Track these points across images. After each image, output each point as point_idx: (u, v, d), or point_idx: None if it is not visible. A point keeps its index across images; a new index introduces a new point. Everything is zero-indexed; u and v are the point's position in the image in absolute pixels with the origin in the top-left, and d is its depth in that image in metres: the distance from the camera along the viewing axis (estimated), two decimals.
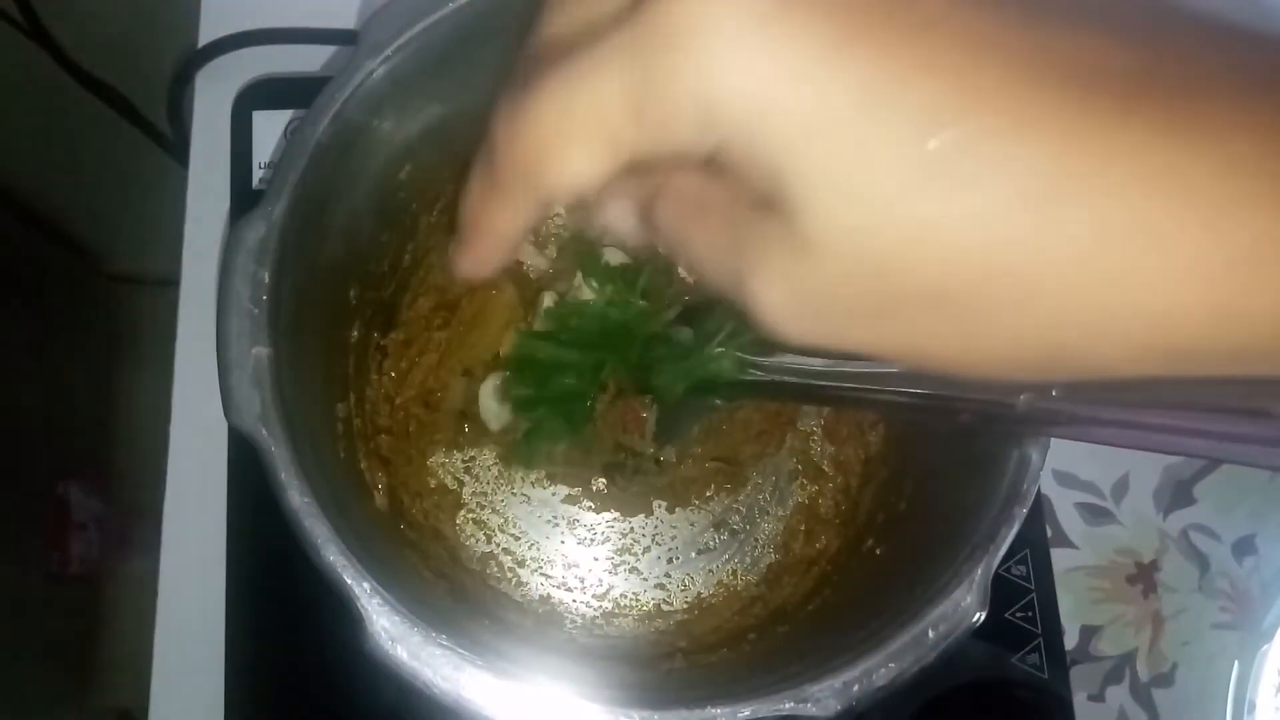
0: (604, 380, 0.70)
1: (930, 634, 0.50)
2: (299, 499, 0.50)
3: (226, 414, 0.51)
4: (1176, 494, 0.84)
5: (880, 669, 0.49)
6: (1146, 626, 0.81)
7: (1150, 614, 0.81)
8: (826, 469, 0.77)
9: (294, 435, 0.52)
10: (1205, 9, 0.63)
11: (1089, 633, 0.80)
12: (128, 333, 1.66)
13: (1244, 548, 0.83)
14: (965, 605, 0.51)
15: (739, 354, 0.67)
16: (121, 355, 1.63)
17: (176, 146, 0.93)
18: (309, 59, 0.85)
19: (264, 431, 0.51)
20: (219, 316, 0.51)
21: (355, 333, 0.68)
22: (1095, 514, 0.83)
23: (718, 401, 0.67)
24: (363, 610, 0.49)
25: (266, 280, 0.52)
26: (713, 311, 0.73)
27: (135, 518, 1.54)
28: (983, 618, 0.51)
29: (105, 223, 1.60)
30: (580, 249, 0.75)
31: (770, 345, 0.68)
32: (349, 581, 0.49)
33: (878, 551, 0.65)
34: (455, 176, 0.72)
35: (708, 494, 0.76)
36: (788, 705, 0.48)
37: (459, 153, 0.71)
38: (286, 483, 0.50)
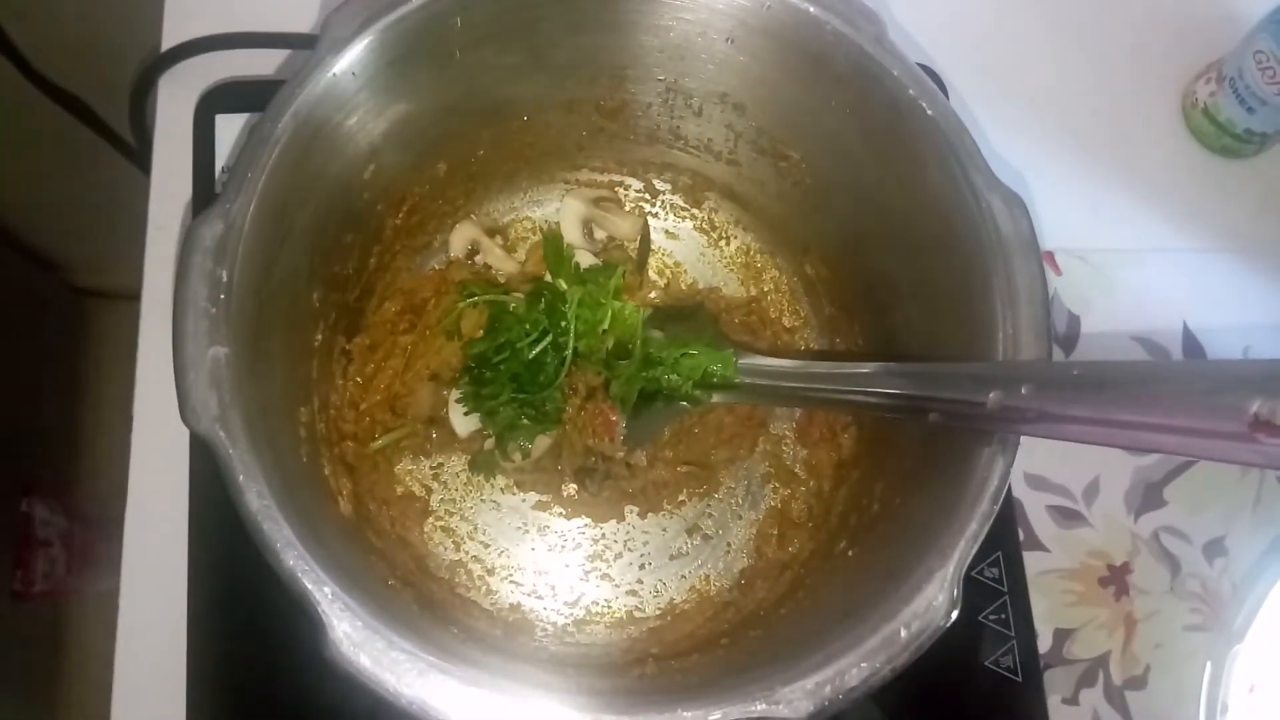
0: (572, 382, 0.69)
1: (903, 633, 0.49)
2: (257, 501, 0.49)
3: (183, 415, 0.50)
4: (1147, 496, 0.84)
5: (853, 669, 0.49)
6: (1119, 629, 0.81)
7: (1123, 616, 0.81)
8: (799, 472, 0.76)
9: (254, 438, 0.51)
10: (1180, 11, 0.62)
11: (1062, 636, 0.80)
12: (95, 346, 1.64)
13: (1214, 549, 0.83)
14: (937, 604, 0.50)
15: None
16: (88, 369, 1.61)
17: (139, 154, 0.92)
18: (273, 63, 0.84)
19: (221, 433, 0.49)
20: (175, 316, 0.50)
21: (319, 336, 0.67)
22: (1066, 516, 0.83)
23: (687, 405, 0.66)
24: (323, 615, 0.47)
25: (225, 279, 0.51)
26: (685, 314, 0.73)
27: (100, 533, 1.51)
28: (955, 616, 0.50)
29: (72, 235, 1.58)
30: (550, 252, 0.74)
31: (740, 347, 0.68)
32: (309, 586, 0.48)
33: (850, 553, 0.64)
34: (421, 180, 0.71)
35: (680, 498, 0.75)
36: (759, 707, 0.48)
37: (424, 154, 0.71)
38: (245, 485, 0.49)
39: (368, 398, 0.71)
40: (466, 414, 0.70)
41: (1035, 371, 0.51)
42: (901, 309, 0.65)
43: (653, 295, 0.77)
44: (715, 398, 0.65)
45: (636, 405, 0.70)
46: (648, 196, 0.80)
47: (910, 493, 0.60)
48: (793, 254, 0.78)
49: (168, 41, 0.84)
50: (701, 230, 0.81)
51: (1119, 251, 0.89)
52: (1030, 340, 0.53)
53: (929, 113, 0.56)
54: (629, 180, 0.79)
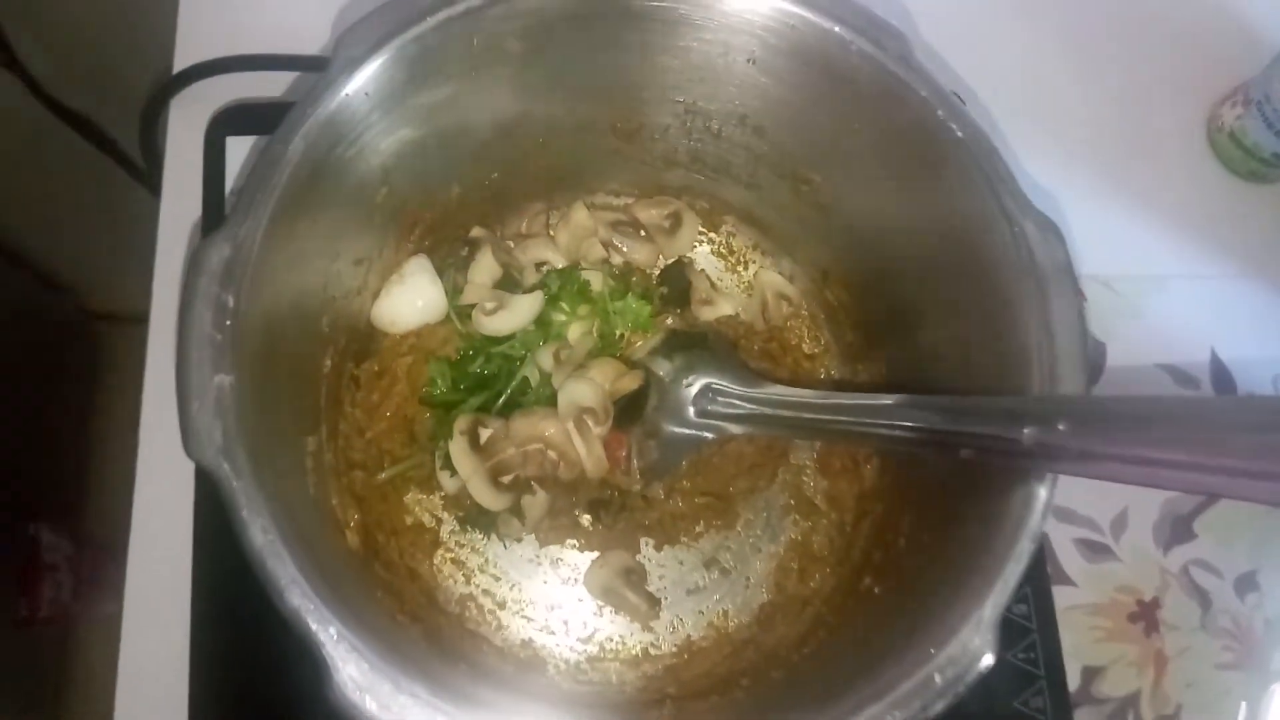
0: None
1: (937, 679, 0.47)
2: (262, 537, 0.47)
3: (186, 447, 0.48)
4: (1176, 529, 0.82)
5: (885, 717, 0.46)
6: (1149, 667, 0.78)
7: (1153, 654, 0.78)
8: (820, 504, 0.74)
9: (258, 469, 0.49)
10: (1205, 35, 0.61)
11: (1090, 674, 0.77)
12: (106, 370, 1.63)
13: (1246, 584, 0.80)
14: (974, 648, 0.48)
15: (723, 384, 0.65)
16: (99, 392, 1.60)
17: (150, 176, 0.91)
18: (285, 85, 0.83)
19: (225, 465, 0.47)
20: (179, 343, 0.48)
21: (328, 362, 0.65)
22: (1094, 550, 0.80)
23: (707, 435, 0.64)
24: (328, 657, 0.45)
25: (231, 305, 0.49)
26: (697, 341, 0.71)
27: (106, 558, 1.50)
28: (992, 662, 0.48)
29: (82, 258, 1.57)
30: (560, 274, 0.73)
31: (759, 377, 0.66)
32: (314, 626, 0.46)
33: (876, 590, 0.62)
34: (433, 203, 0.69)
35: (697, 530, 0.73)
36: None
37: (437, 177, 0.70)
38: (248, 520, 0.47)
39: (375, 424, 0.70)
40: (452, 475, 0.68)
41: (1074, 407, 0.49)
42: (928, 337, 0.63)
43: (668, 321, 0.75)
44: (735, 428, 0.63)
45: (653, 435, 0.68)
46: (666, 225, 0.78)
47: (941, 529, 0.58)
48: (813, 279, 0.76)
49: (179, 64, 0.84)
50: (719, 255, 0.79)
51: (1145, 278, 0.87)
52: (1067, 373, 0.51)
53: (959, 134, 0.55)
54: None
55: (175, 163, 0.81)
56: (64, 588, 1.42)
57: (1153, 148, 0.90)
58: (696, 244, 0.79)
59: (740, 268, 0.79)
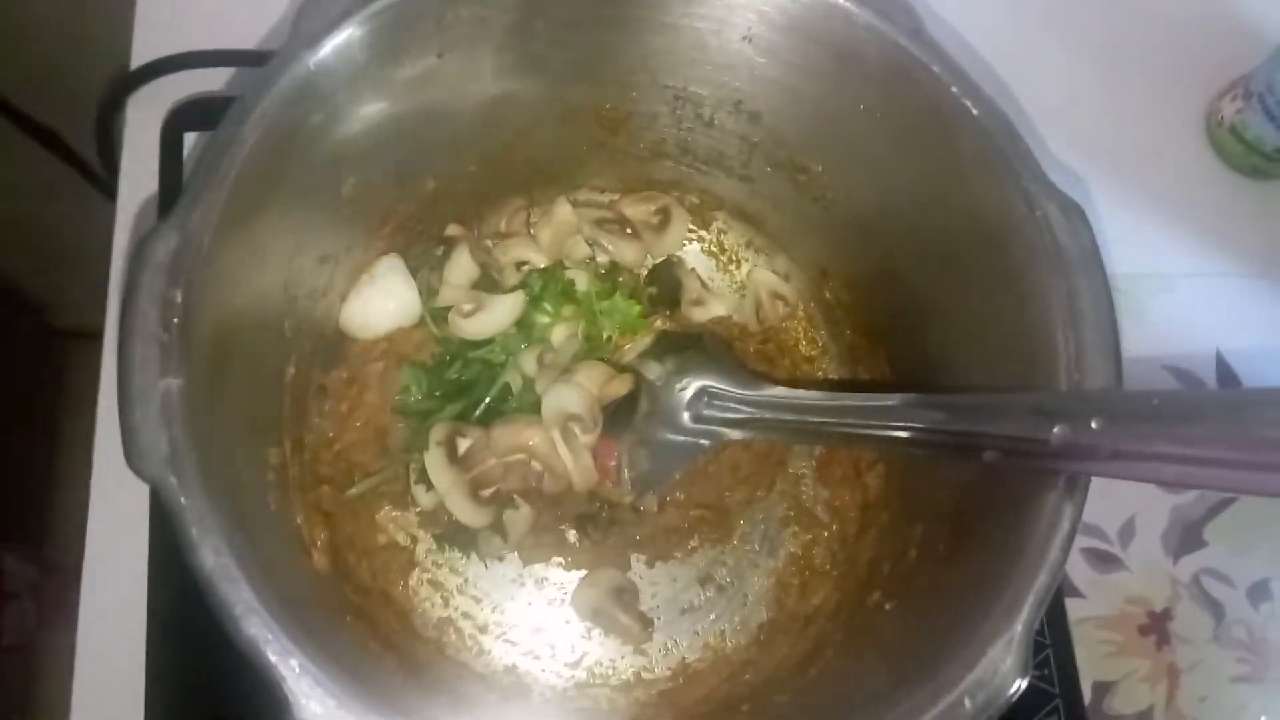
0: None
1: (967, 704, 0.43)
2: (213, 559, 0.42)
3: (128, 458, 0.43)
4: (1186, 536, 0.78)
5: None
6: (1162, 681, 0.75)
7: (1165, 667, 0.75)
8: (820, 515, 0.70)
9: (211, 484, 0.44)
10: (1201, 27, 0.56)
11: (1102, 689, 0.73)
12: (71, 389, 1.57)
13: (1259, 593, 0.77)
14: (1005, 669, 0.43)
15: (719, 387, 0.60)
16: (63, 412, 1.54)
17: (108, 181, 0.87)
18: (246, 81, 0.78)
19: (172, 479, 0.42)
20: (121, 343, 0.43)
21: (291, 369, 0.60)
22: (1103, 560, 0.77)
23: (704, 443, 0.60)
24: (289, 693, 0.40)
25: (179, 300, 0.44)
26: (691, 343, 0.67)
27: (72, 583, 1.44)
28: (1025, 685, 0.43)
29: (46, 273, 1.52)
30: (542, 273, 0.68)
31: (757, 378, 0.61)
32: (273, 659, 0.41)
33: (887, 607, 0.58)
34: (406, 197, 0.65)
35: (691, 545, 0.68)
36: None
37: (410, 168, 0.65)
38: (198, 540, 0.42)
39: (344, 436, 0.65)
40: (428, 490, 0.64)
41: (1107, 402, 0.45)
42: (939, 334, 0.59)
43: (658, 323, 0.71)
44: (733, 434, 0.59)
45: (644, 443, 0.63)
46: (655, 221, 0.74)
47: (958, 540, 0.54)
48: (810, 278, 0.72)
49: (136, 61, 0.79)
50: (710, 254, 0.75)
51: (1148, 277, 0.84)
52: (1098, 366, 0.47)
53: (974, 113, 0.51)
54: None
55: (132, 162, 0.77)
56: (28, 615, 1.38)
57: (1151, 145, 0.87)
58: (686, 242, 0.75)
59: (733, 266, 0.75)
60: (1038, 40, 0.88)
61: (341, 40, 0.48)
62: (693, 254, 0.75)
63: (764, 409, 0.58)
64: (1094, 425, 0.44)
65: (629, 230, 0.73)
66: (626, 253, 0.72)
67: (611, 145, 0.69)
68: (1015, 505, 0.48)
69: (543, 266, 0.70)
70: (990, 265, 0.52)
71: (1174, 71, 0.89)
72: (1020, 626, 0.44)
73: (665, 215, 0.73)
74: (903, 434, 0.54)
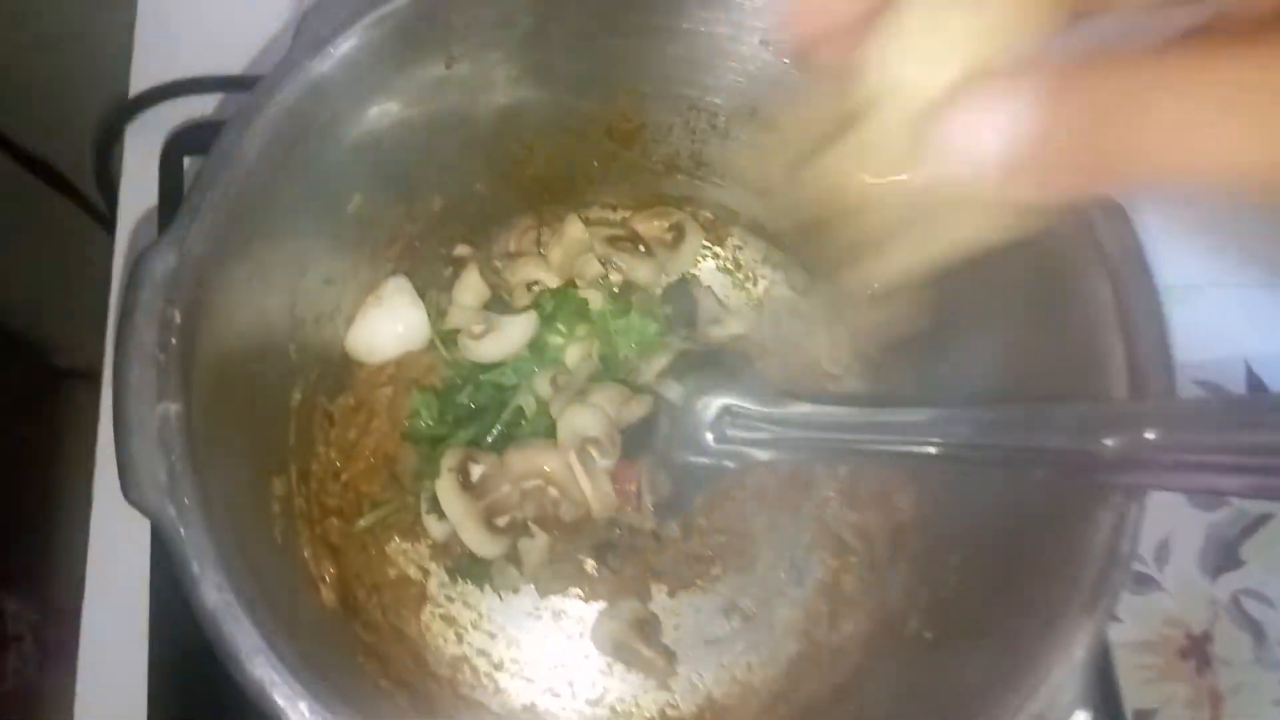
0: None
1: None
2: (216, 595, 0.39)
3: (124, 489, 0.40)
4: (1223, 555, 0.75)
5: None
6: (1204, 707, 0.71)
7: (1206, 692, 0.71)
8: (848, 540, 0.67)
9: (213, 516, 0.41)
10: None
11: (1142, 718, 0.70)
12: (71, 430, 1.54)
13: None
14: (1065, 700, 0.40)
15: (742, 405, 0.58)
16: (64, 453, 1.52)
17: (107, 213, 0.85)
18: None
19: (170, 510, 0.40)
20: (116, 365, 0.41)
21: (297, 395, 0.57)
22: (1138, 581, 0.74)
23: (728, 465, 0.57)
24: None
25: (178, 320, 0.42)
26: (711, 361, 0.64)
27: (74, 626, 1.41)
28: (1088, 718, 0.40)
29: (47, 313, 1.50)
30: (555, 293, 0.66)
31: (783, 395, 0.58)
32: (281, 702, 0.38)
33: (927, 635, 0.55)
34: (413, 216, 0.63)
35: (714, 573, 0.65)
36: None
37: (417, 186, 0.63)
38: (199, 576, 0.39)
39: (352, 465, 0.62)
40: (440, 520, 0.61)
41: (1164, 412, 0.42)
42: (969, 345, 0.56)
43: (674, 342, 0.68)
44: (760, 454, 0.56)
45: (665, 466, 0.60)
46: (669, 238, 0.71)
47: (1002, 563, 0.51)
48: (829, 293, 0.70)
49: (135, 89, 0.78)
50: (725, 270, 0.73)
51: (1174, 288, 0.81)
52: (1151, 372, 0.44)
53: None
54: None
55: (131, 191, 0.76)
56: (29, 659, 1.35)
57: None
58: (700, 259, 0.72)
59: (749, 284, 0.72)
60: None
61: (348, 46, 0.46)
62: (708, 271, 0.72)
63: (790, 427, 0.55)
64: (1150, 436, 0.41)
65: (642, 248, 0.71)
66: (640, 270, 0.70)
67: (623, 160, 0.66)
68: (1066, 523, 0.45)
69: (555, 286, 0.68)
70: (1028, 271, 0.50)
71: None
72: (1080, 652, 0.41)
73: (679, 231, 0.71)
74: (938, 450, 0.51)
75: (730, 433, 0.57)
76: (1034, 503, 0.49)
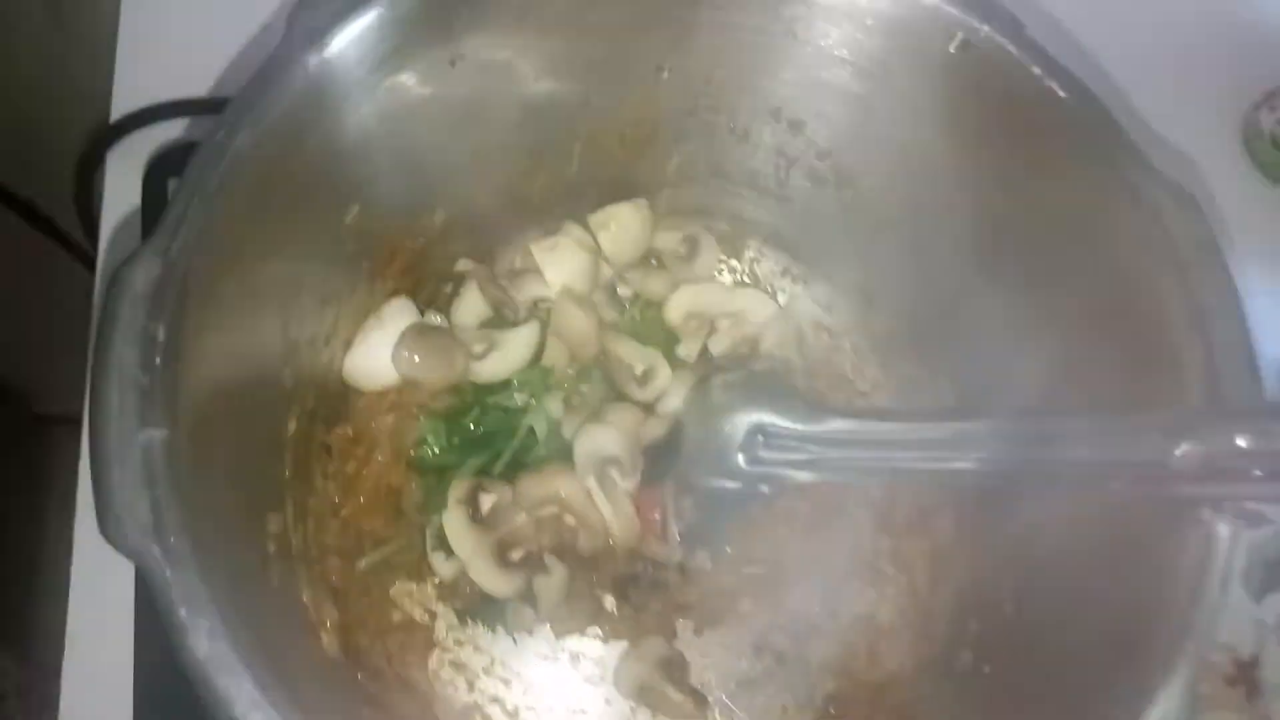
0: None
1: None
2: (207, 644, 0.35)
3: (102, 527, 0.36)
4: (1268, 575, 0.72)
5: None
6: None
7: None
8: (885, 567, 0.62)
9: (202, 556, 0.37)
10: (1231, 36, 0.49)
11: None
12: (58, 479, 1.49)
13: None
14: None
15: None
16: (51, 504, 1.47)
17: (87, 253, 0.82)
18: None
19: (155, 550, 0.35)
20: (93, 388, 0.37)
21: (293, 424, 0.53)
22: None
23: (763, 489, 0.53)
24: None
25: (161, 338, 0.38)
26: (736, 374, 0.61)
27: (58, 682, 1.35)
28: None
29: (31, 357, 1.45)
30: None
31: (820, 410, 0.54)
32: None
33: (986, 670, 0.50)
34: (414, 230, 0.59)
35: (744, 608, 0.61)
36: None
37: (418, 197, 0.59)
38: (189, 621, 0.35)
39: (352, 500, 0.58)
40: (448, 558, 0.57)
41: (1257, 417, 0.38)
42: (1021, 352, 0.52)
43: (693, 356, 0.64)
44: (800, 476, 0.52)
45: (690, 491, 0.56)
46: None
47: (1070, 586, 0.46)
48: (855, 305, 0.66)
49: (116, 113, 0.74)
50: (743, 284, 0.69)
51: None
52: (1235, 373, 0.40)
53: (1061, 95, 0.45)
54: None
55: (113, 220, 0.71)
56: (15, 718, 1.28)
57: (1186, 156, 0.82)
58: (716, 272, 0.68)
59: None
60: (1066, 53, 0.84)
61: (346, 41, 0.43)
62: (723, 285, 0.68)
63: (830, 446, 0.51)
64: (1241, 444, 0.37)
65: (654, 261, 0.67)
66: (652, 284, 0.66)
67: (635, 169, 0.63)
68: (1145, 542, 0.41)
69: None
70: (1088, 271, 0.46)
71: (1207, 80, 0.85)
72: (1179, 681, 0.37)
73: (693, 244, 0.67)
74: (993, 466, 0.47)
75: (763, 454, 0.53)
76: (1102, 522, 0.45)
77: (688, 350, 0.62)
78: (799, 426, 0.52)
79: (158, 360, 0.37)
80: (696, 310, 0.64)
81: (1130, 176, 0.44)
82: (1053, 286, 0.48)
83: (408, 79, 0.47)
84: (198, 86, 0.73)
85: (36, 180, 1.11)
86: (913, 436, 0.49)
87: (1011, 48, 0.45)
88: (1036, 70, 0.45)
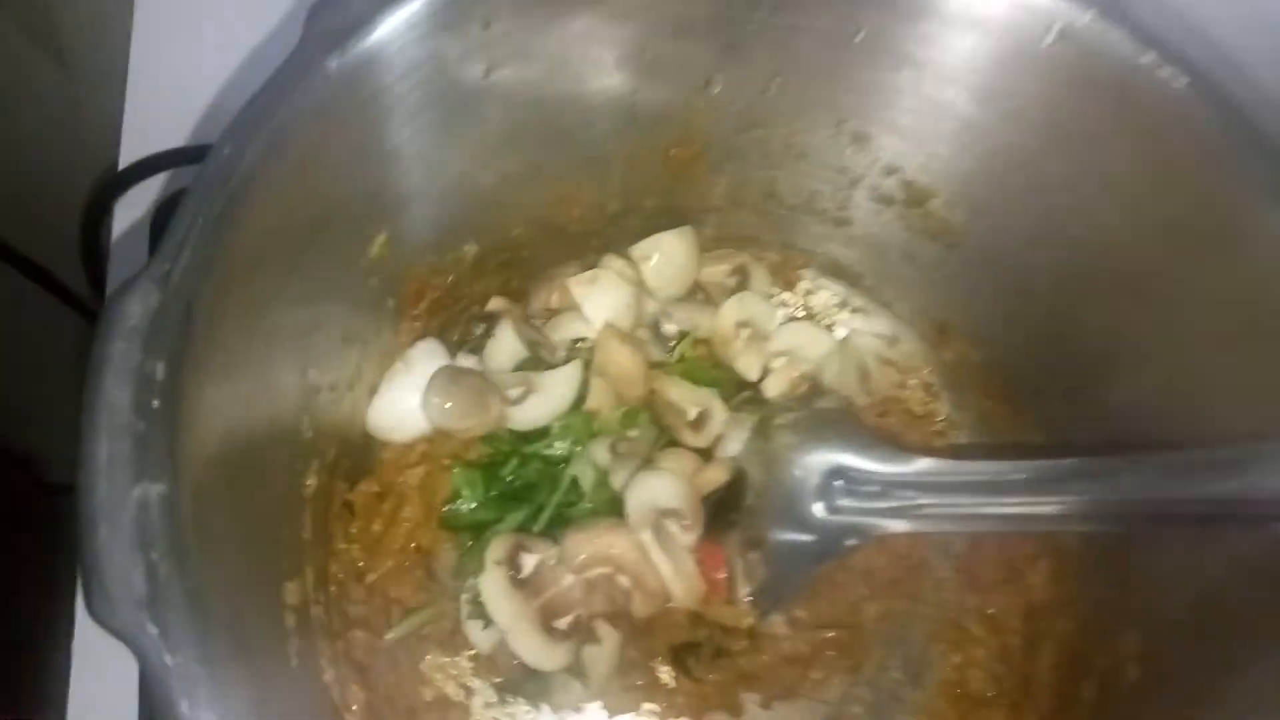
0: None
1: None
2: None
3: (88, 601, 0.30)
4: None
5: None
6: None
7: None
8: (972, 628, 0.56)
9: (208, 634, 0.31)
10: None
11: None
12: (65, 550, 1.44)
13: None
14: None
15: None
16: (57, 575, 1.41)
17: (94, 311, 0.78)
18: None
19: (152, 629, 0.29)
20: (83, 438, 0.31)
21: (311, 480, 0.47)
22: None
23: (848, 542, 0.46)
24: None
25: (160, 376, 0.32)
26: (803, 414, 0.55)
27: None
28: None
29: (37, 422, 1.41)
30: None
31: (904, 451, 0.48)
32: None
33: None
34: (443, 265, 0.53)
35: (815, 677, 0.54)
36: None
37: (448, 228, 0.54)
38: (189, 715, 0.29)
39: (378, 564, 0.52)
40: (485, 627, 0.51)
41: None
42: (1131, 381, 0.46)
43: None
44: (894, 526, 0.45)
45: (756, 544, 0.50)
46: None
47: (1209, 646, 0.40)
48: (924, 337, 0.61)
49: (125, 162, 0.71)
50: (796, 319, 0.63)
51: None
52: None
53: (1176, 86, 0.39)
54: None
55: (121, 273, 0.68)
56: None
57: None
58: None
59: None
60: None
61: (375, 38, 0.38)
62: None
63: (923, 491, 0.45)
64: None
65: (700, 295, 0.62)
66: (698, 320, 0.61)
67: (679, 194, 0.58)
68: None
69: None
70: (1218, 279, 0.40)
71: None
72: None
73: (742, 275, 0.62)
74: (1111, 509, 0.41)
75: (843, 502, 0.47)
76: (1245, 561, 0.39)
77: (745, 364, 0.57)
78: (884, 469, 0.46)
79: (155, 403, 0.32)
80: (745, 318, 0.58)
81: (1266, 174, 0.38)
82: (1176, 302, 0.42)
83: (439, 87, 0.42)
84: (209, 133, 0.70)
85: (41, 236, 1.07)
86: (1021, 478, 0.43)
87: (1117, 33, 0.40)
88: (1150, 57, 0.39)
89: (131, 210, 0.69)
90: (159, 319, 0.33)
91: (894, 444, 0.48)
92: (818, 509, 0.47)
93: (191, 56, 0.72)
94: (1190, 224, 0.41)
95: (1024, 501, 0.43)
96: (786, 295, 0.64)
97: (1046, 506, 0.43)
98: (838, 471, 0.47)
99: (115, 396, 0.31)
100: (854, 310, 0.63)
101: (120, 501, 0.30)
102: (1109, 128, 0.42)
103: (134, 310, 0.32)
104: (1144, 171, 0.42)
